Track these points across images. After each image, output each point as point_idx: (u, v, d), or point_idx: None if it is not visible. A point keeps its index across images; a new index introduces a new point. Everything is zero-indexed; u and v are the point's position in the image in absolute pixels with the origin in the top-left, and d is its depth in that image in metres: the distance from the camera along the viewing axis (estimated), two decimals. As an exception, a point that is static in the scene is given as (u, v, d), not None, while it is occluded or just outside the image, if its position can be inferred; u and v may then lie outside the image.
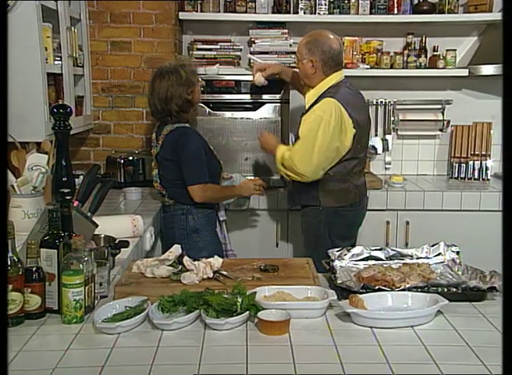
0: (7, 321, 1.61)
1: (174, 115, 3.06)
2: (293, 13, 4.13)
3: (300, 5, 4.07)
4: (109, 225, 2.55)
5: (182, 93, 3.03)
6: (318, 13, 4.08)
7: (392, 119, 4.34)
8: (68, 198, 1.85)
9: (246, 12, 4.10)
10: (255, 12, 4.11)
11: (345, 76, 3.20)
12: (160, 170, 3.13)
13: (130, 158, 3.85)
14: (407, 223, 3.83)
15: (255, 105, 3.82)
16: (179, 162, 3.02)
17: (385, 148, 4.36)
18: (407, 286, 1.93)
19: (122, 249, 2.29)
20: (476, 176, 4.24)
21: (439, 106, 4.31)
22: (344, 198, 3.11)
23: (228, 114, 3.81)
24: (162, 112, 3.07)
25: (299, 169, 3.01)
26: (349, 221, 3.16)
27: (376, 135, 4.36)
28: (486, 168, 4.23)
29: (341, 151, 3.03)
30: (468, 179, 4.25)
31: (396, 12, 4.09)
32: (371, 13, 4.12)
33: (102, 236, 2.30)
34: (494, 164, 4.28)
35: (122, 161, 3.80)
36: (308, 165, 2.99)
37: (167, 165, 3.08)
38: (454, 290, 1.94)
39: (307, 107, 3.12)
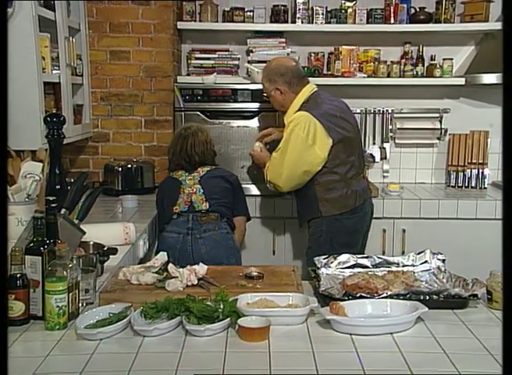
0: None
1: (211, 158, 3.34)
2: (291, 23, 4.17)
3: (298, 15, 4.11)
4: (101, 232, 2.58)
5: (213, 146, 3.38)
6: (316, 23, 4.13)
7: (389, 127, 4.36)
8: (53, 205, 1.87)
9: (244, 21, 4.15)
10: (253, 22, 4.15)
11: (317, 86, 3.28)
12: (206, 184, 3.22)
13: (128, 166, 3.89)
14: (404, 231, 3.84)
15: (252, 114, 3.85)
16: (235, 195, 3.30)
17: (383, 157, 4.37)
18: (389, 293, 1.94)
19: (112, 256, 2.32)
20: (473, 185, 4.24)
21: (437, 115, 4.33)
22: (344, 204, 3.14)
23: (225, 122, 3.84)
24: (199, 161, 3.28)
25: (271, 179, 3.19)
26: (350, 228, 3.18)
27: (374, 143, 4.38)
28: (483, 176, 4.23)
29: (316, 164, 3.08)
30: (465, 187, 4.25)
31: (392, 21, 4.12)
32: (368, 23, 4.15)
33: (91, 243, 2.32)
34: (491, 172, 4.28)
35: (119, 169, 3.83)
36: (279, 176, 3.15)
37: (222, 185, 3.26)
38: (436, 297, 1.95)
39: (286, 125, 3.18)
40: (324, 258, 2.27)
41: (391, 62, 4.24)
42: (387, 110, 4.35)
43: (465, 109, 4.38)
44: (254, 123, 3.84)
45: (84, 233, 2.17)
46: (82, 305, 1.91)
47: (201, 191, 3.19)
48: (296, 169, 3.10)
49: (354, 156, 3.19)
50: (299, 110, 3.13)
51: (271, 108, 3.80)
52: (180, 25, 4.09)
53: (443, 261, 2.23)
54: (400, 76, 4.21)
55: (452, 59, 4.21)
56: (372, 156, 4.34)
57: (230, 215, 3.28)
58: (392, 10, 4.11)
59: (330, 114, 3.12)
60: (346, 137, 3.14)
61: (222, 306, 1.79)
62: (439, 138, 4.35)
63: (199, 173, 3.26)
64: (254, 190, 3.86)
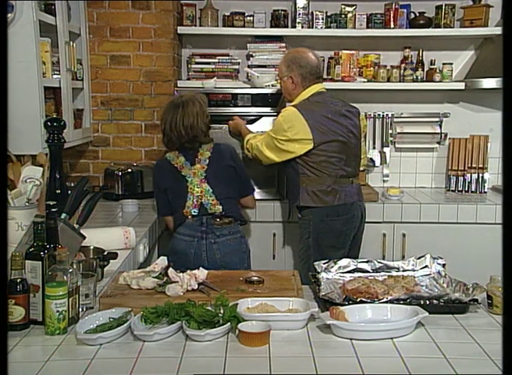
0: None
1: (202, 137, 3.13)
2: (291, 27, 4.18)
3: (298, 20, 4.11)
4: (101, 237, 2.58)
5: (205, 119, 3.16)
6: (316, 27, 4.14)
7: (389, 131, 4.37)
8: (54, 210, 1.87)
9: (244, 26, 4.15)
10: (253, 27, 4.16)
11: (326, 89, 3.34)
12: (214, 183, 3.09)
13: (129, 170, 3.88)
14: (404, 235, 3.84)
15: (252, 118, 3.85)
16: (238, 169, 3.20)
17: (383, 161, 4.38)
18: (390, 298, 1.94)
19: (112, 261, 2.32)
20: (473, 189, 4.24)
21: (437, 119, 4.33)
22: (322, 199, 3.19)
23: (225, 127, 3.83)
24: (188, 138, 3.10)
25: (249, 145, 3.43)
26: (336, 230, 3.21)
27: (374, 148, 4.38)
28: (483, 181, 4.23)
29: (280, 157, 3.26)
30: (465, 192, 4.25)
31: (392, 26, 4.13)
32: (368, 27, 4.17)
33: (91, 247, 2.32)
34: (491, 177, 4.28)
35: (120, 173, 3.83)
36: (259, 153, 3.35)
37: (227, 174, 3.14)
38: (436, 302, 1.95)
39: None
40: (324, 263, 2.28)
41: (391, 66, 4.24)
42: (387, 114, 4.35)
43: (465, 114, 4.38)
44: (254, 127, 3.83)
45: (84, 237, 2.17)
46: (82, 309, 1.91)
47: (210, 190, 3.06)
48: (267, 151, 3.28)
49: (342, 158, 3.21)
50: (296, 105, 3.23)
51: (271, 113, 3.84)
52: (180, 30, 4.10)
53: (443, 265, 2.24)
54: (399, 81, 4.21)
55: (451, 64, 4.22)
56: (372, 161, 4.34)
57: (240, 209, 3.25)
58: (392, 15, 4.12)
59: (322, 115, 3.18)
60: (335, 140, 3.18)
61: (222, 311, 1.80)
62: (438, 142, 4.36)
63: (200, 162, 3.09)
64: (254, 194, 3.85)
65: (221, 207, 3.06)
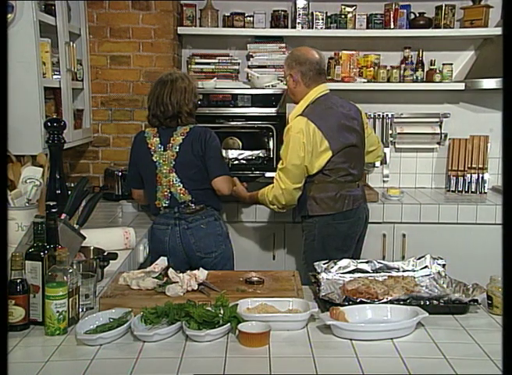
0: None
1: (184, 116, 3.09)
2: (291, 28, 4.18)
3: (298, 20, 4.11)
4: (101, 237, 2.59)
5: (193, 97, 3.13)
6: (316, 28, 4.14)
7: (389, 132, 4.37)
8: (53, 210, 1.88)
9: (244, 26, 4.15)
10: (253, 27, 4.16)
11: (329, 90, 3.23)
12: (182, 173, 3.07)
13: (128, 170, 3.88)
14: (404, 235, 3.83)
15: (252, 118, 3.85)
16: (206, 155, 3.06)
17: (383, 161, 4.37)
18: (390, 298, 1.94)
19: (112, 261, 2.32)
20: (473, 190, 4.24)
21: (437, 119, 4.33)
22: (331, 206, 3.11)
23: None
24: (172, 114, 3.06)
25: (281, 202, 3.14)
26: (342, 233, 3.16)
27: (374, 148, 4.38)
28: (483, 181, 4.23)
29: (311, 170, 3.07)
30: (465, 192, 4.25)
31: (392, 26, 4.13)
32: (367, 28, 4.17)
33: (91, 248, 2.32)
34: (491, 177, 4.28)
35: (119, 173, 3.83)
36: (282, 195, 3.10)
37: (196, 163, 3.06)
38: (436, 302, 1.95)
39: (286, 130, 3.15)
40: (324, 263, 2.28)
41: (391, 66, 4.24)
42: (387, 115, 4.35)
43: (465, 114, 4.38)
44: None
45: (84, 238, 2.17)
46: (82, 310, 1.92)
47: (178, 180, 3.06)
48: (292, 184, 3.07)
49: (351, 163, 3.15)
50: (304, 112, 3.09)
51: (271, 113, 3.84)
52: (181, 30, 4.10)
53: (443, 266, 2.24)
54: (399, 81, 4.21)
55: (451, 64, 4.22)
56: (372, 161, 4.34)
57: (216, 196, 3.18)
58: (391, 15, 4.12)
59: (335, 122, 3.09)
60: (348, 145, 3.11)
61: (222, 311, 1.80)
62: (438, 143, 4.36)
63: (172, 148, 3.05)
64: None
65: (190, 196, 3.08)
